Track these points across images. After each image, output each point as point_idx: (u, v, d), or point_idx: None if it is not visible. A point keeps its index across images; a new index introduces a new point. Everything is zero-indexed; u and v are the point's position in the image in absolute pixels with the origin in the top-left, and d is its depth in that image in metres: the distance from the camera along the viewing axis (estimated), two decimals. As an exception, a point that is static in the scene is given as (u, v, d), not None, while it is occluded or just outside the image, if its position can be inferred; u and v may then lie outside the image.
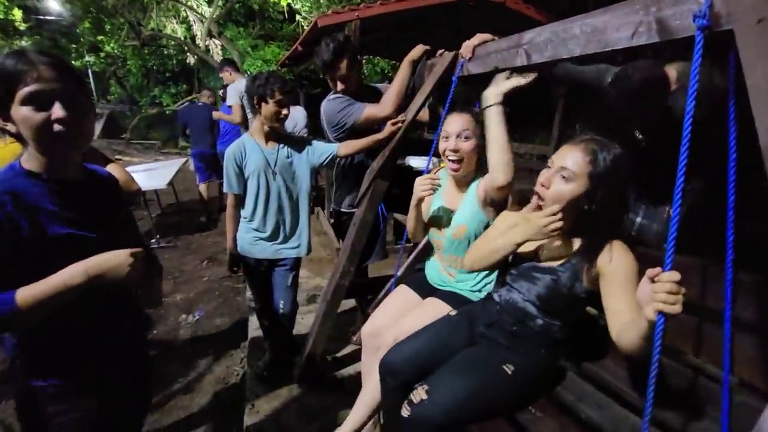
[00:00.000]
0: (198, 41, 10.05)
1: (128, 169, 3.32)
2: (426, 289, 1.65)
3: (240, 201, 1.97)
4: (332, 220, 2.33)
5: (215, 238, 4.76)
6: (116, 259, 0.87)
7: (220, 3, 9.16)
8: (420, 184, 1.49)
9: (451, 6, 3.21)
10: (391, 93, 1.84)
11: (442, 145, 1.49)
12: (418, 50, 1.83)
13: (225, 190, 1.96)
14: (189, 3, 9.51)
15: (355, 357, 2.33)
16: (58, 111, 0.81)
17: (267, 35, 10.62)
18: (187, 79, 13.23)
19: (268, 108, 1.82)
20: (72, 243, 0.88)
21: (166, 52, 11.90)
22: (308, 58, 4.48)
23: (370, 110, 1.90)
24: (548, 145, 5.26)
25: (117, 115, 13.98)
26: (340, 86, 1.96)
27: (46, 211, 0.86)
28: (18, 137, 0.84)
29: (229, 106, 4.17)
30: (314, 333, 2.06)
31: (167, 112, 12.68)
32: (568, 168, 1.08)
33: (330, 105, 1.98)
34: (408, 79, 1.83)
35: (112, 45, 10.88)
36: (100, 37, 10.66)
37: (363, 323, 2.38)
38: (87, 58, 12.34)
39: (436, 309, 1.49)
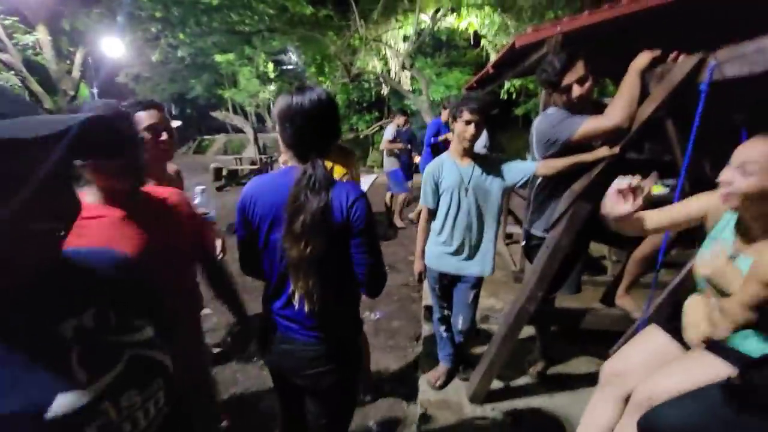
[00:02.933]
0: (392, 74, 11.36)
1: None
2: None
3: (432, 215, 2.06)
4: (523, 243, 2.28)
5: (395, 248, 5.05)
6: None
7: (413, 39, 10.37)
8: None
9: (674, 8, 2.41)
10: (619, 101, 1.59)
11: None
12: (645, 57, 1.57)
13: (421, 203, 2.07)
14: (389, 42, 10.82)
15: (530, 390, 2.28)
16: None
17: (451, 62, 12.33)
18: (379, 108, 14.98)
19: (456, 127, 1.91)
20: None
21: (366, 86, 14.13)
22: (496, 80, 4.65)
23: (592, 122, 1.66)
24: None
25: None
26: (562, 100, 1.82)
27: None
28: None
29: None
30: (491, 354, 2.03)
31: (361, 136, 14.39)
32: (750, 161, 1.07)
33: (545, 119, 1.85)
34: (637, 88, 1.57)
35: (328, 83, 12.95)
36: (320, 78, 12.85)
37: (542, 355, 2.25)
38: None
39: (707, 367, 1.20)
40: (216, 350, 2.75)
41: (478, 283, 2.09)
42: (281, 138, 1.17)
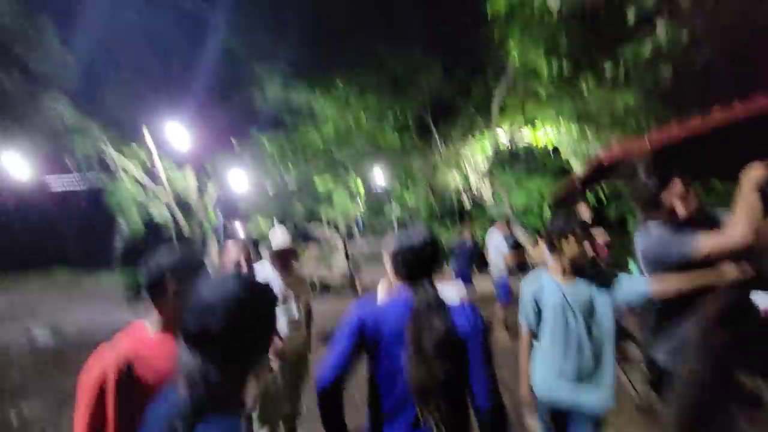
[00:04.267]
0: (472, 186, 12.25)
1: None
2: None
3: (534, 334, 1.97)
4: (646, 369, 2.01)
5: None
6: None
7: (491, 154, 11.23)
8: None
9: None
10: (740, 218, 1.51)
11: None
12: (758, 171, 1.51)
13: (520, 320, 2.01)
14: (468, 157, 12.07)
15: None
16: None
17: (530, 170, 12.97)
18: (460, 218, 15.71)
19: (570, 245, 1.87)
20: None
21: (447, 198, 14.80)
22: (583, 190, 4.82)
23: (711, 241, 1.58)
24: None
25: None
26: (663, 216, 1.77)
27: None
28: None
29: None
30: None
31: (445, 248, 15.43)
32: None
33: (649, 237, 1.80)
34: (755, 201, 1.50)
35: (412, 198, 14.44)
36: (405, 194, 14.41)
37: None
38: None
39: None
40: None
41: (599, 419, 1.83)
42: (394, 268, 1.37)
